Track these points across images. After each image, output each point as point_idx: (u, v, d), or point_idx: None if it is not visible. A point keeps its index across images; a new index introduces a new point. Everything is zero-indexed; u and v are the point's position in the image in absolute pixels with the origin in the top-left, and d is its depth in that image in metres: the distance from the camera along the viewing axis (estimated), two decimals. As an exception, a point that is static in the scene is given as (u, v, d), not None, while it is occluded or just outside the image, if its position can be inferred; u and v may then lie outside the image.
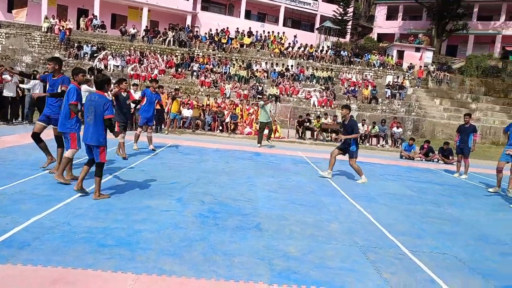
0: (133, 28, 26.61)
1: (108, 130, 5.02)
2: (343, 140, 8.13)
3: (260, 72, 24.55)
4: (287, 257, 3.71)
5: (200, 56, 25.40)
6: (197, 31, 31.24)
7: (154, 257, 3.44)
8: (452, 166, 11.98)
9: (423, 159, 13.36)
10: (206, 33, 28.49)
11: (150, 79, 11.44)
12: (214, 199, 5.55)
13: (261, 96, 21.39)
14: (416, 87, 26.87)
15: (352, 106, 22.79)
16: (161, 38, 26.39)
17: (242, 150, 11.18)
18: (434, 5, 34.66)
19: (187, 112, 15.79)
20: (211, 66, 24.24)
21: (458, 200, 7.25)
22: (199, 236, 4.04)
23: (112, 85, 8.05)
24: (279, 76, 24.12)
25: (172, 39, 26.12)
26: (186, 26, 30.60)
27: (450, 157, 13.04)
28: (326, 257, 3.79)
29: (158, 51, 24.75)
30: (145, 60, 22.92)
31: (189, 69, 23.60)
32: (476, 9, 36.81)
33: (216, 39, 27.37)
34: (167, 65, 23.35)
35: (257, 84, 22.65)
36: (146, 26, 28.28)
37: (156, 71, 21.71)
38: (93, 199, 4.91)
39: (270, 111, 13.11)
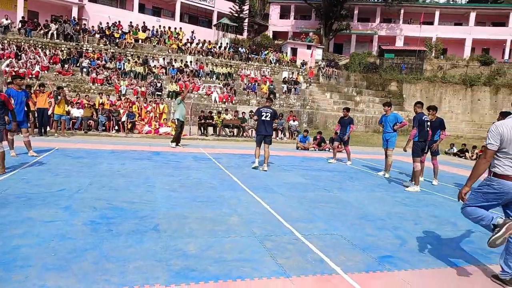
0: (6, 19, 23.37)
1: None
2: None
3: (158, 68, 23.77)
4: (186, 255, 3.67)
5: (90, 51, 23.53)
6: (85, 24, 28.87)
7: (34, 274, 3.09)
8: (342, 154, 13.15)
9: (316, 149, 14.44)
10: (93, 26, 26.50)
11: (12, 75, 10.10)
12: (108, 204, 5.21)
13: (160, 94, 20.79)
14: (309, 84, 28.85)
15: (252, 101, 23.58)
16: (42, 31, 23.72)
17: (140, 150, 10.71)
18: (321, 6, 37.61)
19: (77, 112, 14.51)
20: (103, 62, 22.66)
21: (345, 184, 8.00)
22: (90, 245, 3.76)
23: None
24: (178, 72, 23.65)
25: (55, 32, 23.68)
26: (72, 18, 28.00)
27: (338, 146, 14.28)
28: (225, 251, 3.85)
29: (40, 45, 22.24)
30: (23, 55, 20.39)
31: (78, 65, 21.70)
32: (357, 11, 40.96)
33: (107, 33, 25.63)
34: (51, 61, 21.12)
35: (155, 80, 21.89)
36: (23, 17, 25.11)
37: (37, 67, 19.50)
38: None
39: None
